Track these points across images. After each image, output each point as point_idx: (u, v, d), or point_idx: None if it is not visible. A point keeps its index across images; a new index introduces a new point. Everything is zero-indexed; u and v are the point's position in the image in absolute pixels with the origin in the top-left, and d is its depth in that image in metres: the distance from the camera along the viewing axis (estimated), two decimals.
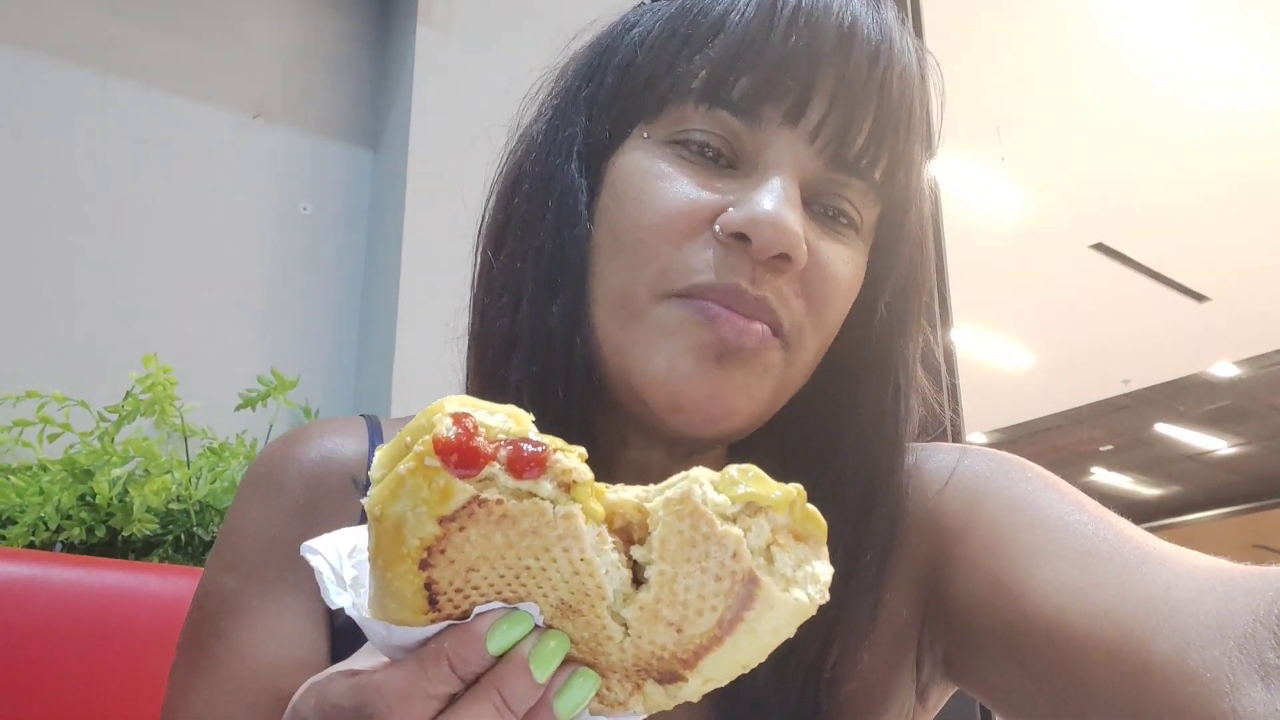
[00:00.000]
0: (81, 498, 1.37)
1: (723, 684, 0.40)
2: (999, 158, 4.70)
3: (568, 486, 0.37)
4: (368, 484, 0.38)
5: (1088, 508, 0.60)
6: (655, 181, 0.60)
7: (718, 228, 0.58)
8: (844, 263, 0.62)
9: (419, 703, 0.37)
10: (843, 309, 0.63)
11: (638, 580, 0.38)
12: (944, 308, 1.91)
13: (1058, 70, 4.22)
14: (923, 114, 0.65)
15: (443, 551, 0.36)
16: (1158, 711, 0.47)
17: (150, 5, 1.79)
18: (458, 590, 0.37)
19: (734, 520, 0.37)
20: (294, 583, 0.63)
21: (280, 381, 1.63)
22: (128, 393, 1.50)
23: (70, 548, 1.36)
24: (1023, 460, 0.67)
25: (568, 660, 0.39)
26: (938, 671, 0.66)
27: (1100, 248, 5.65)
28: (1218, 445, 8.76)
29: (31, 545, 1.32)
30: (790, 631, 0.38)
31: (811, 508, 0.39)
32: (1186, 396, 7.69)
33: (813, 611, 0.38)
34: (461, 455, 0.35)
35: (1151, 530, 0.58)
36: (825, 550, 0.39)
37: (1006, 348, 6.76)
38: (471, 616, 0.38)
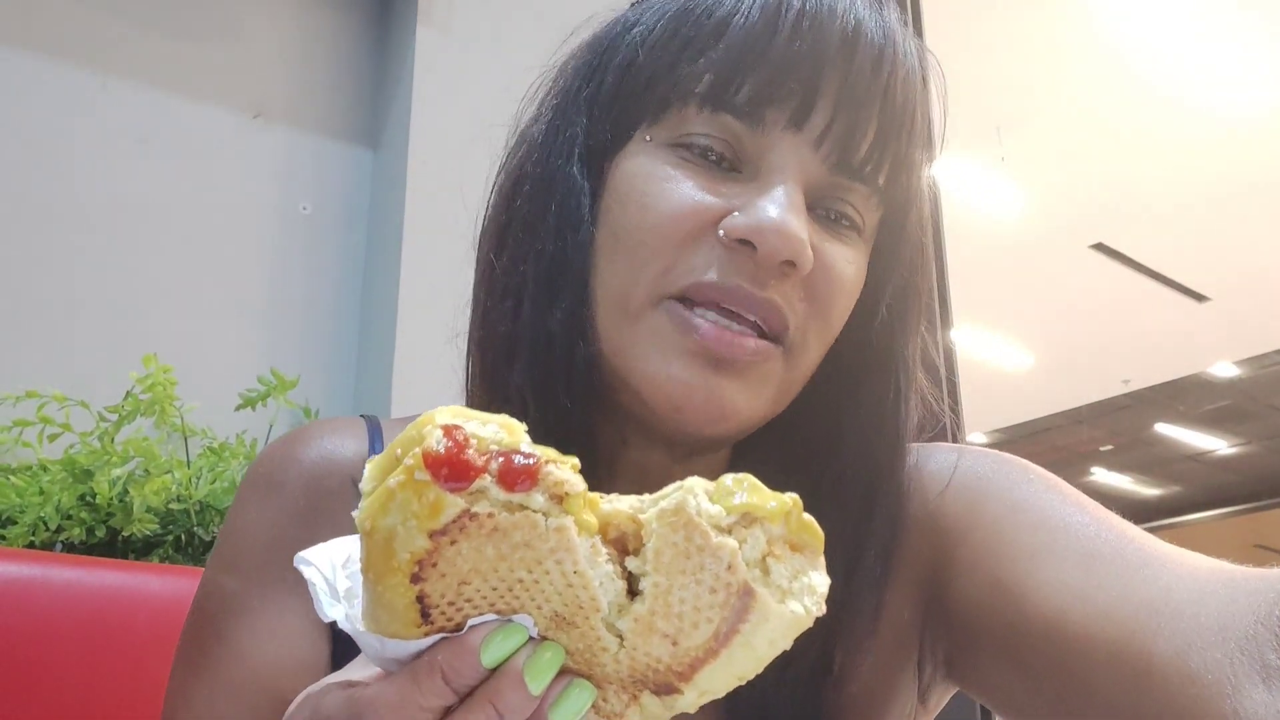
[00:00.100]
0: (81, 498, 1.37)
1: (719, 696, 0.39)
2: (999, 158, 4.70)
3: (560, 499, 0.36)
4: None
5: (1089, 509, 0.60)
6: (659, 184, 0.60)
7: (721, 232, 0.58)
8: (848, 264, 0.62)
9: (413, 716, 0.37)
10: (846, 310, 0.63)
11: (633, 591, 0.38)
12: (944, 308, 1.91)
13: (1058, 70, 4.22)
14: (925, 117, 0.64)
15: (434, 565, 0.35)
16: (1158, 713, 0.47)
17: (150, 5, 1.79)
18: (450, 603, 0.36)
19: (729, 531, 0.37)
20: (294, 583, 0.63)
21: (280, 381, 1.63)
22: (128, 393, 1.50)
23: (70, 548, 1.36)
24: (1024, 461, 0.67)
25: (563, 671, 0.38)
26: (939, 673, 0.66)
27: (1100, 248, 5.65)
28: (1218, 445, 8.76)
29: (31, 545, 1.32)
30: (787, 644, 0.38)
31: (808, 518, 0.38)
32: (1186, 396, 7.69)
33: (809, 624, 0.37)
34: (451, 469, 0.34)
35: (1151, 530, 0.58)
36: (822, 561, 0.38)
37: (1006, 348, 6.76)
38: (465, 629, 0.37)
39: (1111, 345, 6.75)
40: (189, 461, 1.52)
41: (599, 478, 0.64)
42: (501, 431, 0.36)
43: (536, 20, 1.90)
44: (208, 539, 1.45)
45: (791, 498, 0.38)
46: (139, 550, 1.41)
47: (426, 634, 0.37)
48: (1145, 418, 8.17)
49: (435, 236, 1.77)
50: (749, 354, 0.58)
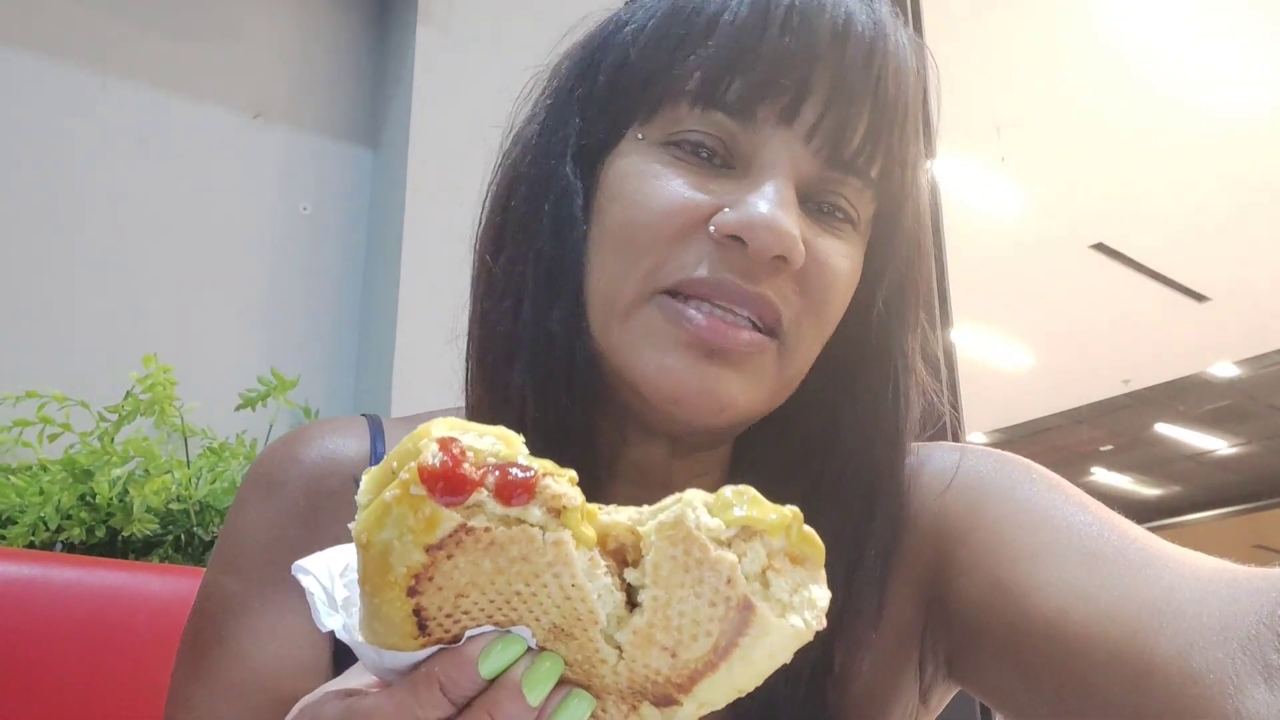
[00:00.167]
0: (81, 498, 1.37)
1: (718, 707, 0.39)
2: (999, 158, 4.70)
3: (557, 512, 0.36)
4: None
5: (1091, 509, 0.60)
6: (650, 182, 0.60)
7: (712, 228, 0.58)
8: (842, 257, 0.62)
9: None
10: (841, 304, 0.63)
11: (632, 602, 0.37)
12: (944, 308, 1.91)
13: (1058, 70, 4.22)
14: (919, 109, 0.64)
15: (431, 579, 0.35)
16: (1160, 713, 0.47)
17: (150, 5, 1.79)
18: (448, 615, 0.36)
19: (729, 545, 0.36)
20: (295, 584, 0.62)
21: (280, 381, 1.63)
22: (128, 393, 1.50)
23: (70, 548, 1.36)
24: (1026, 460, 0.67)
25: (562, 682, 0.38)
26: (940, 672, 0.66)
27: (1100, 248, 5.65)
28: (1218, 445, 8.77)
29: (31, 545, 1.32)
30: (787, 657, 0.38)
31: (809, 530, 0.38)
32: (1186, 396, 7.69)
33: (809, 638, 0.37)
34: (447, 483, 0.34)
35: (1152, 530, 0.58)
36: (823, 574, 0.38)
37: (1006, 348, 6.76)
38: (463, 640, 0.37)
39: (1111, 345, 6.75)
40: (189, 461, 1.52)
41: (599, 477, 0.64)
42: (499, 444, 0.36)
43: (536, 20, 1.90)
44: (208, 539, 1.45)
45: (792, 510, 0.38)
46: (139, 550, 1.41)
47: (424, 646, 0.37)
48: (1145, 418, 8.18)
49: (435, 236, 1.77)
50: (743, 345, 0.58)
